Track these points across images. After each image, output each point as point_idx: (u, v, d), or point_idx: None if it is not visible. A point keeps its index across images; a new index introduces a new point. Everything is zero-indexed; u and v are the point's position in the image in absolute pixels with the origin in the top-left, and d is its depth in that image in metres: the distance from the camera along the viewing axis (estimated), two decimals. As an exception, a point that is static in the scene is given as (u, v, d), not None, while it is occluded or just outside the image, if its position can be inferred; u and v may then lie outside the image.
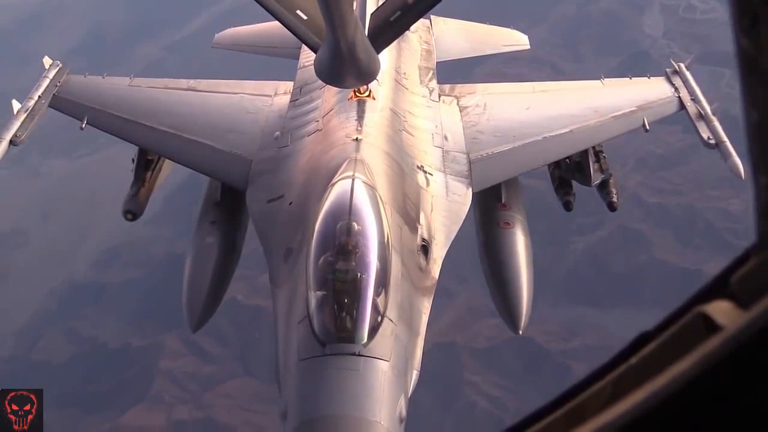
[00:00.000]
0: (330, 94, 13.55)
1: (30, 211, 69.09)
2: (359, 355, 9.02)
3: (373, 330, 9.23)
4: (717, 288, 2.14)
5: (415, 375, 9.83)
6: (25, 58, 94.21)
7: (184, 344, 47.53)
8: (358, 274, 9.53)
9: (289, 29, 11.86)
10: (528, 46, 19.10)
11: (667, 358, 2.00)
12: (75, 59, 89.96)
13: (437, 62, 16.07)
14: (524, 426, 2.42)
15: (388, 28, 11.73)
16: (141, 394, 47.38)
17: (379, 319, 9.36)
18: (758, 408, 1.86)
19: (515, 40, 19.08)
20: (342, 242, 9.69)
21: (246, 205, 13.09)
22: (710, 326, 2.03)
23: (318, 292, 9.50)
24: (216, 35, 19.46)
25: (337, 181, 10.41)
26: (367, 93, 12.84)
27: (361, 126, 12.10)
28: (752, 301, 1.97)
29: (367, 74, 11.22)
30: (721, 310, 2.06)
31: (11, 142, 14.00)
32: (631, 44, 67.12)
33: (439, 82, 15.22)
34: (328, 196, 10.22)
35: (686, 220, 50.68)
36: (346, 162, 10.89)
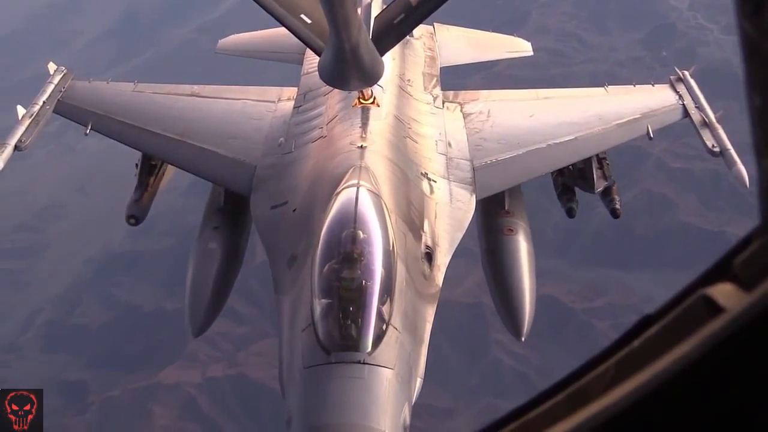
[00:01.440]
0: (334, 100, 13.51)
1: (67, 185, 71.03)
2: (364, 363, 8.98)
3: (378, 338, 9.21)
4: (720, 270, 2.15)
5: (419, 383, 9.82)
6: (60, 41, 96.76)
7: (217, 306, 48.74)
8: (363, 282, 9.51)
9: (292, 32, 11.88)
10: (531, 53, 18.93)
11: (670, 340, 2.02)
12: (108, 41, 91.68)
13: (441, 69, 16.09)
14: (527, 409, 2.39)
15: (392, 31, 11.71)
16: (176, 354, 48.67)
17: (384, 327, 9.35)
18: (760, 389, 1.88)
19: (518, 46, 19.03)
20: (347, 250, 9.67)
21: (249, 211, 13.09)
22: (713, 308, 2.04)
23: (323, 300, 9.48)
24: (220, 41, 19.47)
25: (342, 189, 10.38)
26: (371, 100, 12.82)
27: (365, 133, 12.03)
28: (755, 284, 1.98)
29: (370, 77, 11.14)
30: (724, 292, 2.06)
31: (16, 147, 13.91)
32: (657, 16, 67.44)
33: (443, 88, 15.25)
34: (333, 204, 10.20)
35: (710, 184, 51.08)
36: (350, 170, 10.83)
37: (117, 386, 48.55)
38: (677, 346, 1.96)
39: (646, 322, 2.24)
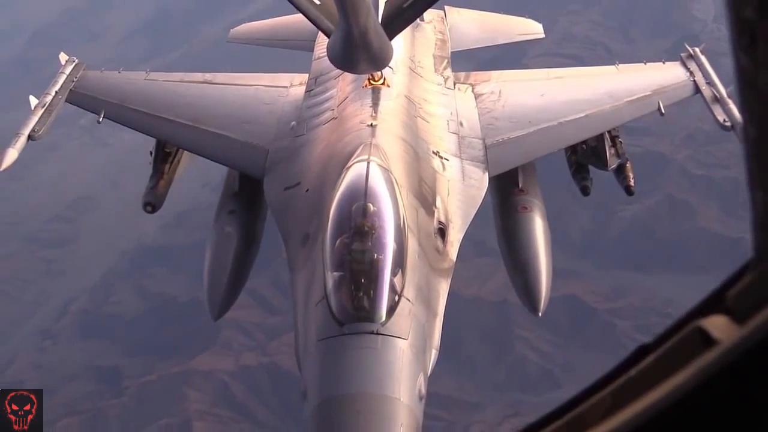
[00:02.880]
0: (345, 83, 13.60)
1: (99, 178, 72.39)
2: (377, 333, 9.07)
3: (391, 309, 9.30)
4: (714, 302, 2.16)
5: (434, 354, 9.89)
6: (94, 35, 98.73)
7: (250, 297, 50.18)
8: (375, 255, 9.61)
9: (302, 13, 11.98)
10: (542, 35, 19.00)
11: (665, 370, 2.03)
12: (141, 37, 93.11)
13: (452, 53, 16.21)
14: None
15: (402, 15, 11.73)
16: (210, 342, 50.03)
17: (397, 298, 9.43)
18: (752, 420, 1.90)
19: (530, 29, 19.02)
20: (358, 223, 9.77)
21: (264, 194, 13.16)
22: (707, 340, 2.05)
23: (335, 273, 9.60)
24: (231, 30, 19.52)
25: (352, 165, 10.51)
26: (381, 81, 12.90)
27: (375, 112, 12.12)
28: (747, 317, 2.00)
29: (379, 60, 11.20)
30: (717, 324, 2.07)
31: (29, 137, 14.12)
32: (682, 27, 68.63)
33: (453, 71, 15.36)
34: (343, 179, 10.33)
35: (731, 192, 52.24)
36: (361, 146, 10.98)
37: (152, 372, 50.01)
38: (672, 377, 1.98)
39: (642, 351, 2.28)
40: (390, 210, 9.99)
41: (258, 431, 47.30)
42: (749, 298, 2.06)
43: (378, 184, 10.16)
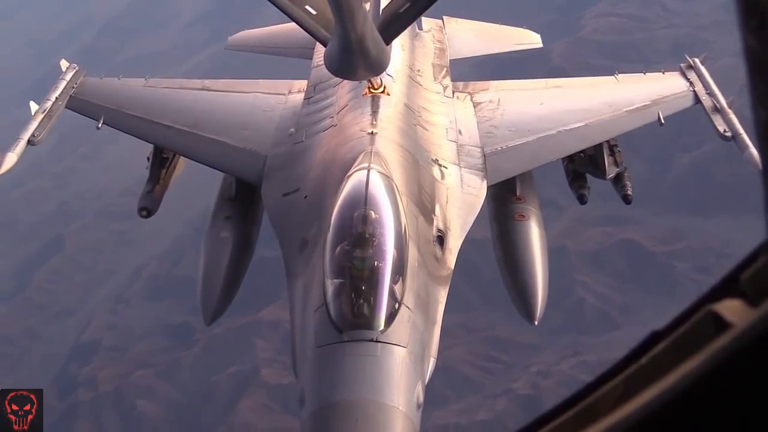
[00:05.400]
0: (344, 90, 13.52)
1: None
2: (376, 341, 9.01)
3: (391, 317, 9.24)
4: (727, 287, 2.15)
5: (432, 362, 9.86)
6: (159, 24, 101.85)
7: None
8: (375, 262, 9.56)
9: (298, 24, 11.86)
10: (540, 45, 18.86)
11: (678, 356, 2.02)
12: (203, 24, 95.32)
13: (451, 61, 16.19)
14: (537, 426, 2.42)
15: (397, 20, 11.61)
16: (275, 296, 51.44)
17: (396, 306, 9.38)
18: (766, 404, 1.88)
19: (528, 38, 18.98)
20: (359, 231, 9.74)
21: (261, 200, 13.10)
22: (720, 324, 2.04)
23: (335, 280, 9.52)
24: (230, 38, 19.50)
25: (353, 172, 10.44)
26: (381, 89, 12.85)
27: (375, 120, 12.06)
28: (762, 299, 1.99)
29: (376, 66, 11.18)
30: (731, 308, 2.07)
31: (29, 141, 14.14)
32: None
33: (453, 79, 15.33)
34: (344, 186, 10.25)
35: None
36: (361, 154, 10.92)
37: (220, 325, 51.61)
38: (685, 362, 1.97)
39: (654, 338, 2.26)
40: (391, 217, 9.96)
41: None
42: (763, 281, 2.05)
43: (379, 191, 10.13)
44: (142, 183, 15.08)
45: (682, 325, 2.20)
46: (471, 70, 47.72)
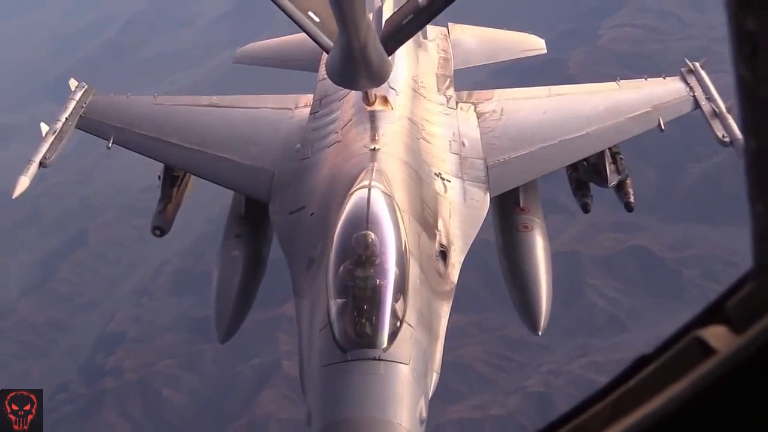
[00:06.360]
0: (348, 105, 13.52)
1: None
2: (379, 359, 9.20)
3: (393, 335, 9.40)
4: (713, 313, 2.19)
5: (435, 377, 10.04)
6: (182, 22, 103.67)
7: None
8: (377, 281, 9.66)
9: (301, 28, 12.03)
10: (545, 51, 18.68)
11: (664, 380, 2.07)
12: (226, 22, 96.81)
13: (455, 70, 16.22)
14: None
15: (401, 31, 11.73)
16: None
17: (398, 324, 9.55)
18: (749, 428, 1.94)
19: (532, 44, 18.76)
20: (360, 251, 9.83)
21: (270, 217, 13.17)
22: (706, 350, 2.08)
23: (338, 300, 9.65)
24: (238, 50, 19.48)
25: (354, 191, 10.48)
26: (385, 103, 12.88)
27: (378, 136, 12.07)
28: (746, 327, 2.03)
29: (378, 76, 11.20)
30: (716, 334, 2.11)
31: (41, 164, 14.19)
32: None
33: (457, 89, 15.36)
34: (346, 205, 10.33)
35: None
36: (363, 172, 10.97)
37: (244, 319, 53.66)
38: (671, 386, 2.02)
39: (642, 362, 2.29)
40: (392, 237, 10.05)
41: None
42: (748, 308, 2.08)
43: (380, 211, 10.19)
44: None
45: (669, 349, 2.24)
46: (488, 78, 49.33)
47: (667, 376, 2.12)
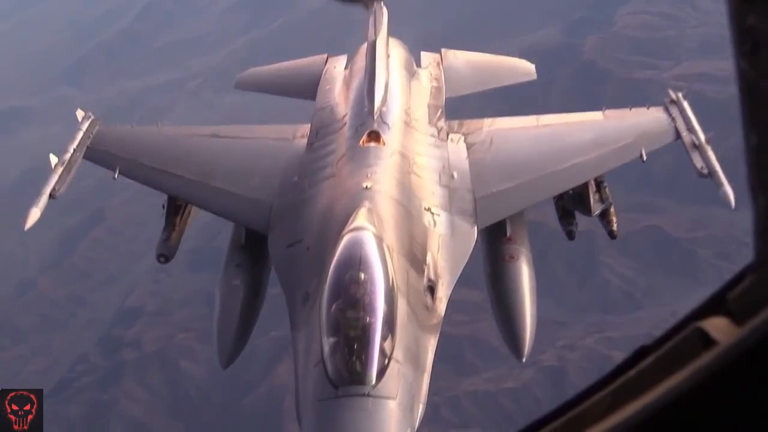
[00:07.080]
0: (344, 138, 13.99)
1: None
2: (368, 395, 9.80)
3: (381, 372, 9.97)
4: (715, 304, 2.23)
5: (421, 409, 10.54)
6: (196, 10, 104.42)
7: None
8: (367, 321, 10.21)
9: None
10: (535, 76, 18.81)
11: (664, 370, 2.10)
12: (240, 10, 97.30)
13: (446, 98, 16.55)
14: None
15: None
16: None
17: (386, 361, 10.09)
18: (749, 419, 1.97)
19: (523, 70, 18.98)
20: (351, 292, 10.39)
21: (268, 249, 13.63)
22: (707, 341, 2.12)
23: (330, 338, 10.17)
24: (238, 76, 19.82)
25: (347, 233, 10.94)
26: (377, 140, 13.35)
27: (370, 173, 12.47)
28: (747, 318, 2.06)
29: None
30: (717, 325, 2.15)
31: (50, 195, 14.43)
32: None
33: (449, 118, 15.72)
34: (339, 247, 10.80)
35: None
36: (355, 211, 11.41)
37: (245, 346, 54.46)
38: (671, 377, 2.05)
39: (643, 352, 2.34)
40: (381, 278, 10.51)
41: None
42: (749, 300, 2.11)
43: (370, 253, 10.66)
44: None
45: (670, 340, 2.27)
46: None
47: (668, 366, 2.15)
